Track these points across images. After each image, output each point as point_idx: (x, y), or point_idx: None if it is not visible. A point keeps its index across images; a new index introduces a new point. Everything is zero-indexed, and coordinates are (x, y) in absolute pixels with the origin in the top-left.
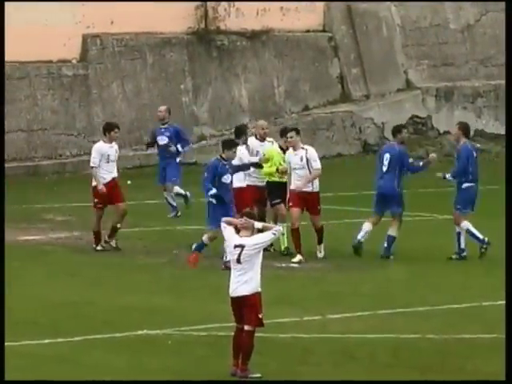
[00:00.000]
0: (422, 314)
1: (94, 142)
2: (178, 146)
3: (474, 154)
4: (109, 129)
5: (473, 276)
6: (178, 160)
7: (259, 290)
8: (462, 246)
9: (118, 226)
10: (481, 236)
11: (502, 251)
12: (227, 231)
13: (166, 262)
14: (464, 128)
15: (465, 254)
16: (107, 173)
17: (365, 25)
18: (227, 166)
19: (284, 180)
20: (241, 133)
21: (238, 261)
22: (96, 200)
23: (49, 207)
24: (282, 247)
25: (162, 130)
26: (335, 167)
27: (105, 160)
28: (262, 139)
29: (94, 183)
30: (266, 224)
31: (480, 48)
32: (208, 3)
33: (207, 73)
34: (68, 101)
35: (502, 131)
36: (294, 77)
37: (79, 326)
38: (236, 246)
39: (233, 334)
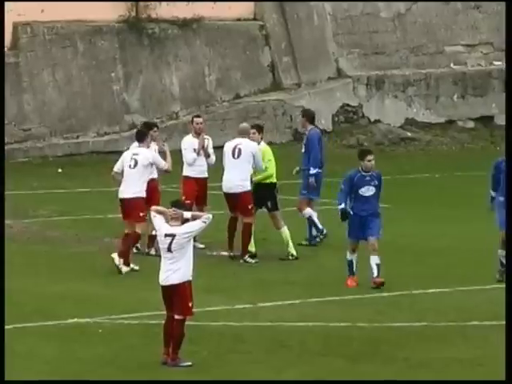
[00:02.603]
0: (353, 302)
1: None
2: None
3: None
4: (147, 128)
5: (403, 264)
6: None
7: (190, 278)
8: (320, 226)
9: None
10: (320, 226)
11: (429, 242)
12: (157, 220)
13: (97, 250)
14: (308, 115)
15: (317, 239)
16: None
17: (296, 13)
18: (368, 178)
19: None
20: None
21: (169, 249)
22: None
23: None
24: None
25: None
26: None
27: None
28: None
29: None
30: (195, 213)
31: (410, 37)
32: None
33: (138, 61)
34: None
35: (433, 120)
36: (225, 65)
37: (10, 314)
38: (166, 235)
39: (163, 322)
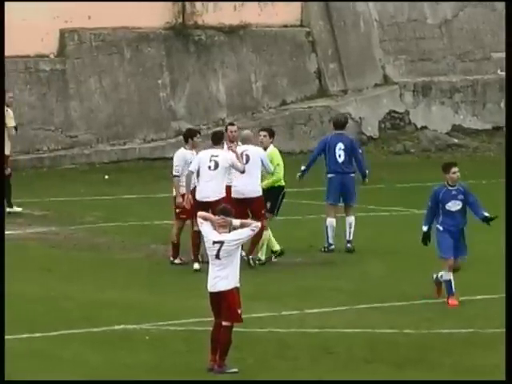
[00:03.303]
0: (400, 308)
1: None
2: None
3: (340, 146)
4: (191, 135)
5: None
6: None
7: (238, 285)
8: (331, 240)
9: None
10: (331, 240)
11: (476, 248)
12: (204, 227)
13: (143, 256)
14: (332, 120)
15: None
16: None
17: (342, 20)
18: (454, 192)
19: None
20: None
21: (217, 256)
22: (178, 210)
23: (26, 202)
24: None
25: None
26: None
27: (188, 168)
28: None
29: (175, 193)
30: (244, 220)
31: (457, 43)
32: None
33: (185, 68)
34: (45, 96)
35: (480, 126)
36: (272, 72)
37: (56, 320)
38: (215, 242)
39: (210, 328)
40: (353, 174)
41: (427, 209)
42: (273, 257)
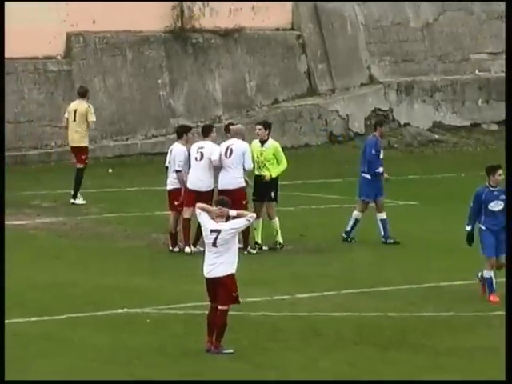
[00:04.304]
0: (384, 293)
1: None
2: None
3: (364, 145)
4: (186, 130)
5: (431, 258)
6: None
7: (233, 271)
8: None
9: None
10: (348, 229)
11: (455, 237)
12: (202, 217)
13: (145, 245)
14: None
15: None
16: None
17: (331, 23)
18: (496, 193)
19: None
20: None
21: (214, 244)
22: (177, 203)
23: (35, 194)
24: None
25: None
26: (303, 157)
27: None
28: None
29: (170, 187)
30: (240, 211)
31: (438, 45)
32: (184, 3)
33: (183, 68)
34: (53, 94)
35: (459, 123)
36: (265, 72)
37: (64, 305)
38: (212, 231)
39: (207, 312)
40: (364, 174)
41: (470, 209)
42: (257, 247)
